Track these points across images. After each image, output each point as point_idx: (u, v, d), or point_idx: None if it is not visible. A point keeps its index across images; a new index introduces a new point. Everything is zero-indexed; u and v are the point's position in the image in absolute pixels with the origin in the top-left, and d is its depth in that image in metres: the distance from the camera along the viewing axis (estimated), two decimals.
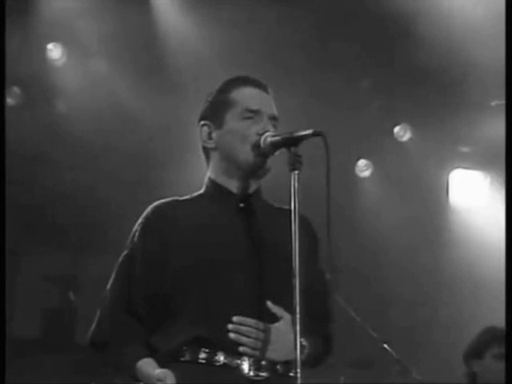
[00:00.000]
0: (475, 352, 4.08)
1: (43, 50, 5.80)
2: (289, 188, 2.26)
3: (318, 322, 2.43)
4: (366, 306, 4.83)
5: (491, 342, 4.01)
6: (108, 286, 2.46)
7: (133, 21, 5.56)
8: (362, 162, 6.75)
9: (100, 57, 5.84)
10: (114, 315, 2.41)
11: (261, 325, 2.32)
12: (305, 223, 2.43)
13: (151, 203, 2.50)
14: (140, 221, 2.47)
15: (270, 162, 2.44)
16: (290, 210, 2.25)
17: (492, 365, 3.99)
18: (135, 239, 2.45)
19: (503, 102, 5.78)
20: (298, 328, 2.16)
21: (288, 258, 2.20)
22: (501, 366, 3.41)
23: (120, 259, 2.46)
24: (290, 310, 2.20)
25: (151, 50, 5.72)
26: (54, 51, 5.81)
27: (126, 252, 2.46)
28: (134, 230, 2.47)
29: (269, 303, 2.33)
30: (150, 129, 5.95)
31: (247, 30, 5.49)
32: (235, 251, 2.40)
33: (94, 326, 2.44)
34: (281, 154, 2.39)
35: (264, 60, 5.37)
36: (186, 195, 2.54)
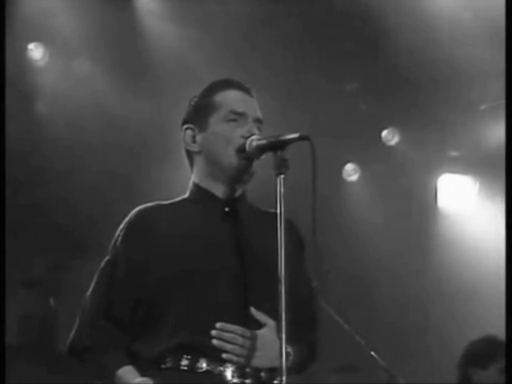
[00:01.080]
0: (478, 362, 4.07)
1: (24, 50, 5.78)
2: (275, 192, 2.28)
3: (303, 329, 2.44)
4: (354, 312, 4.85)
5: (496, 355, 4.00)
6: (89, 292, 2.45)
7: (116, 20, 5.56)
8: (349, 166, 6.77)
9: (83, 57, 5.83)
10: (94, 321, 2.40)
11: (245, 331, 2.33)
12: (291, 228, 2.44)
13: (134, 207, 2.51)
14: (123, 226, 2.48)
15: (255, 165, 2.46)
16: (276, 214, 2.26)
17: (495, 378, 4.00)
18: (118, 244, 2.45)
19: (495, 104, 5.85)
20: (283, 335, 2.18)
21: (274, 263, 2.22)
22: (503, 380, 3.43)
23: (102, 265, 2.46)
24: (276, 316, 2.21)
25: (135, 50, 5.72)
26: (36, 51, 5.79)
27: (107, 257, 2.46)
28: (116, 235, 2.47)
29: (252, 310, 2.34)
30: (133, 130, 5.94)
31: (230, 31, 5.51)
32: (220, 256, 2.41)
33: (73, 332, 2.43)
34: (266, 158, 2.41)
35: (248, 62, 5.38)
36: (170, 199, 2.55)
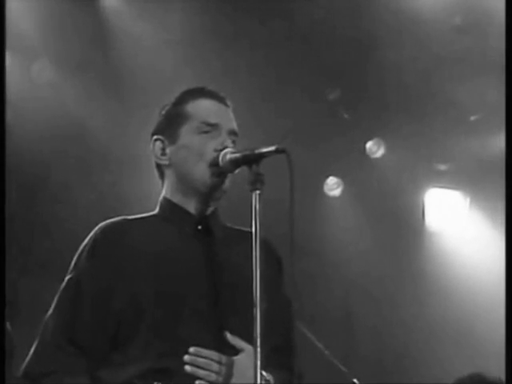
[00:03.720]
0: None
1: None
2: (249, 209, 2.29)
3: (282, 354, 2.44)
4: (334, 336, 4.87)
5: None
6: (49, 313, 2.44)
7: (81, 21, 5.56)
8: (331, 180, 6.79)
9: (45, 60, 5.82)
10: (54, 344, 2.38)
11: (221, 357, 2.33)
12: (267, 248, 2.44)
13: (99, 221, 2.50)
14: (86, 242, 2.47)
15: (228, 181, 2.47)
16: (251, 233, 2.27)
17: None
18: (81, 262, 2.44)
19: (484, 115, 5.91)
20: (258, 361, 2.19)
21: (249, 285, 2.23)
22: None
23: (64, 283, 2.45)
24: (252, 341, 2.21)
25: (101, 51, 5.72)
26: None
27: (69, 276, 2.45)
28: (78, 252, 2.47)
29: (228, 335, 2.35)
30: (99, 138, 5.93)
31: (204, 38, 5.53)
32: (192, 277, 2.42)
33: (30, 355, 2.41)
34: (241, 173, 2.43)
35: (223, 68, 5.41)
36: (137, 214, 2.55)
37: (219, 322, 2.37)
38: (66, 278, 2.46)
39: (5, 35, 3.92)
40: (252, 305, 2.21)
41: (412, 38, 5.58)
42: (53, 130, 5.79)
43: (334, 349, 4.22)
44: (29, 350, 2.43)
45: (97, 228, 2.48)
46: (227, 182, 2.48)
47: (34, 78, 5.85)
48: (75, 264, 2.46)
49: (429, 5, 5.51)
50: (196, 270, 2.42)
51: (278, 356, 2.36)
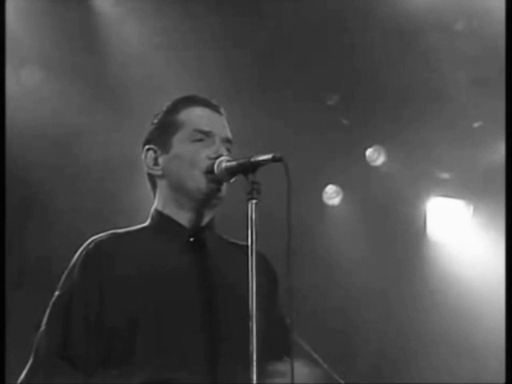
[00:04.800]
0: None
1: None
2: (246, 219, 2.30)
3: (278, 370, 2.44)
4: (332, 346, 4.87)
5: None
6: (41, 330, 2.45)
7: (70, 23, 5.56)
8: (330, 189, 6.80)
9: (33, 64, 5.83)
10: (48, 363, 2.39)
11: None
12: (262, 261, 2.45)
13: (90, 234, 2.51)
14: (78, 256, 2.48)
15: (224, 190, 2.48)
16: (247, 246, 2.28)
17: None
18: (73, 278, 2.45)
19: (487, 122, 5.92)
20: (254, 375, 2.20)
21: (244, 299, 2.24)
22: None
23: (54, 299, 2.46)
24: (247, 355, 2.22)
25: (91, 55, 5.72)
26: None
27: (61, 291, 2.46)
28: (69, 266, 2.48)
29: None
30: (89, 145, 5.93)
31: (199, 42, 5.54)
32: (185, 292, 2.42)
33: (24, 373, 2.42)
34: (237, 182, 2.43)
35: (216, 76, 5.41)
36: (127, 227, 2.56)
37: (213, 337, 2.38)
38: (57, 293, 2.47)
39: (5, 35, 3.94)
40: (247, 319, 2.22)
41: (414, 43, 5.60)
42: (39, 135, 5.79)
43: (331, 359, 4.23)
44: (18, 363, 2.45)
45: (87, 243, 2.49)
46: (223, 190, 2.48)
47: (22, 82, 5.86)
48: (65, 279, 2.47)
49: (430, 11, 5.53)
50: (188, 283, 2.43)
51: (273, 372, 2.37)
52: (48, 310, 2.47)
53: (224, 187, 2.48)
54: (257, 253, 2.28)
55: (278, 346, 2.47)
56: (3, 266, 3.33)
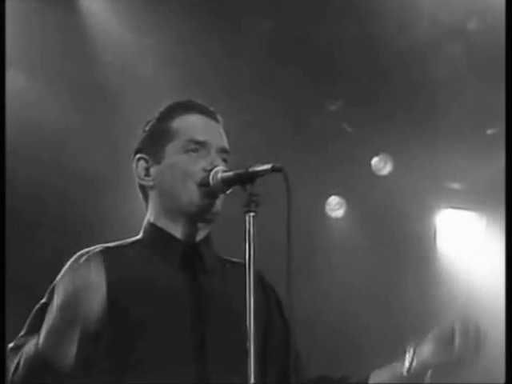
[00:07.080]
0: None
1: None
2: (243, 233, 2.31)
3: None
4: (338, 362, 4.87)
5: None
6: (31, 340, 2.42)
7: (56, 25, 5.58)
8: (333, 200, 6.81)
9: (17, 68, 5.84)
10: (32, 372, 2.36)
11: None
12: (259, 279, 2.45)
13: (78, 246, 2.52)
14: (68, 270, 2.46)
15: (218, 204, 2.49)
16: (244, 264, 2.28)
17: None
18: (62, 290, 2.43)
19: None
20: None
21: (241, 319, 2.25)
22: None
23: (38, 306, 2.46)
24: (245, 377, 2.23)
25: (78, 58, 5.74)
26: None
27: (45, 301, 2.45)
28: (57, 280, 2.45)
29: None
30: (75, 153, 5.93)
31: (195, 46, 5.55)
32: (178, 311, 2.43)
33: None
34: (234, 194, 2.45)
35: (213, 80, 5.42)
36: (117, 241, 2.56)
37: (207, 359, 2.39)
38: (42, 301, 2.47)
39: (4, 37, 3.97)
40: (244, 340, 2.23)
41: (422, 49, 5.62)
42: (24, 143, 5.79)
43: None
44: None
45: (76, 256, 2.49)
46: (218, 204, 2.49)
47: (5, 85, 5.87)
48: (52, 291, 2.46)
49: (439, 11, 5.56)
50: (182, 301, 2.44)
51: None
52: (29, 318, 2.46)
53: (219, 201, 2.48)
54: (255, 270, 2.28)
55: (278, 369, 2.49)
56: (3, 266, 3.35)
